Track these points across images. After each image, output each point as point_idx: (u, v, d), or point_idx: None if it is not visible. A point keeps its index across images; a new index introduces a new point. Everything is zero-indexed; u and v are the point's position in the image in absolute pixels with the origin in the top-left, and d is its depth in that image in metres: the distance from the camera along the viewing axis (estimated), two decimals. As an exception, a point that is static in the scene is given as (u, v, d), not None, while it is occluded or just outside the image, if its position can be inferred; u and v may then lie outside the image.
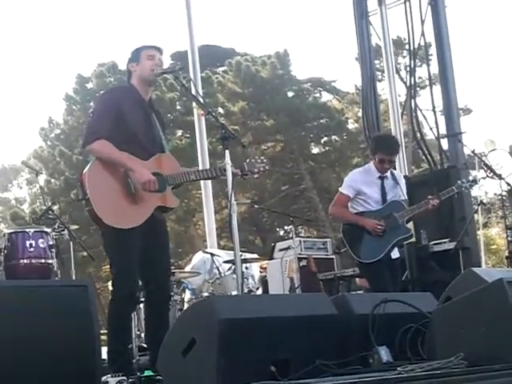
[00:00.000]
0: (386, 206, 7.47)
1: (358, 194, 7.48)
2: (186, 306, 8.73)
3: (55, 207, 9.87)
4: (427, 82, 14.19)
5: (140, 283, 5.81)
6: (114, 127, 5.55)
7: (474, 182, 8.20)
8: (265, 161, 6.08)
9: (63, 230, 8.81)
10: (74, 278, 8.81)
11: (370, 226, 7.30)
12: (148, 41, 6.01)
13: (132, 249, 5.48)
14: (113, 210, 5.47)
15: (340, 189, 7.69)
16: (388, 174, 7.57)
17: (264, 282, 11.61)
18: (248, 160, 6.04)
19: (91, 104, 30.74)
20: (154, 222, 5.62)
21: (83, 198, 5.49)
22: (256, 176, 6.19)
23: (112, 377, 5.13)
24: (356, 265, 7.86)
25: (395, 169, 8.99)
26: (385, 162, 7.46)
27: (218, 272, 9.65)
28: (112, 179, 5.51)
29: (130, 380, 5.21)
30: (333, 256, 11.95)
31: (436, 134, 11.06)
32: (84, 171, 5.55)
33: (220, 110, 29.75)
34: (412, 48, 11.27)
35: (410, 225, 7.84)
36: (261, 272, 11.77)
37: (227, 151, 5.53)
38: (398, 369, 3.91)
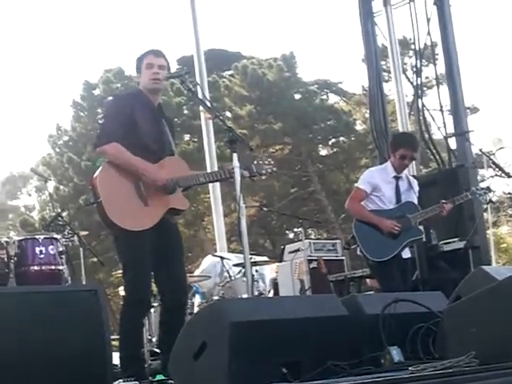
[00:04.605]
0: (400, 206, 7.46)
1: (373, 191, 7.46)
2: (196, 309, 8.73)
3: (64, 213, 9.87)
4: (434, 82, 14.16)
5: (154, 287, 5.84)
6: (125, 131, 5.59)
7: (489, 189, 8.18)
8: (272, 162, 6.14)
9: (73, 237, 8.83)
10: (84, 283, 8.82)
11: (387, 226, 7.27)
12: (153, 46, 6.04)
13: (145, 252, 5.49)
14: (125, 213, 5.49)
15: (356, 184, 7.69)
16: (403, 175, 7.57)
17: (274, 284, 11.61)
18: (256, 162, 6.09)
19: (98, 110, 30.84)
20: (167, 224, 5.64)
21: (95, 201, 5.52)
22: (264, 177, 6.25)
23: (124, 381, 5.14)
24: (367, 264, 7.84)
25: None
26: (406, 158, 7.45)
27: (228, 275, 9.64)
28: (123, 182, 5.54)
29: (142, 384, 5.22)
30: (343, 257, 11.95)
31: (444, 134, 11.04)
32: (95, 175, 5.58)
33: (227, 113, 29.73)
34: (418, 48, 11.24)
35: (419, 225, 7.83)
36: (276, 273, 11.77)
37: (235, 154, 5.55)
38: (410, 368, 3.92)
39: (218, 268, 10.60)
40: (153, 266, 5.58)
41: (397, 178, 7.53)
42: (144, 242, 5.49)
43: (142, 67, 5.81)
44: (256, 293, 8.82)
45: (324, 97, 33.29)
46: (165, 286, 5.74)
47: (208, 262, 11.56)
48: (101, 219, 5.56)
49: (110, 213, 5.44)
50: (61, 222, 8.97)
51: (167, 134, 5.87)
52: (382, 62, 13.11)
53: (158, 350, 7.37)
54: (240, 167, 5.61)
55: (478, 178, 12.28)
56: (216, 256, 10.93)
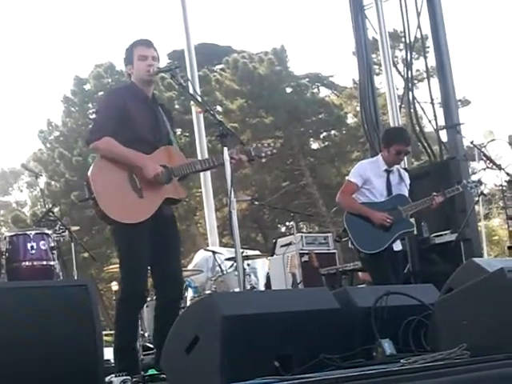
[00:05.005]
0: (391, 199, 7.47)
1: (364, 184, 7.46)
2: (188, 304, 8.73)
3: (56, 209, 9.86)
4: (425, 75, 14.13)
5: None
6: (118, 125, 5.56)
7: (480, 182, 8.20)
8: (272, 145, 6.14)
9: (64, 232, 8.81)
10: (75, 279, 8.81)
11: (378, 218, 7.28)
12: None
13: (141, 245, 5.49)
14: (120, 206, 5.48)
15: (348, 177, 7.69)
16: (394, 169, 7.58)
17: (266, 278, 11.61)
18: (254, 145, 6.05)
19: (89, 105, 30.80)
20: (163, 216, 5.63)
21: (89, 196, 5.51)
22: (264, 160, 6.24)
23: (116, 376, 5.14)
24: (358, 256, 7.85)
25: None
26: (401, 153, 7.48)
27: (220, 269, 9.65)
28: (117, 175, 5.52)
29: (134, 379, 5.21)
30: (334, 251, 11.96)
31: (435, 126, 11.05)
32: (89, 170, 5.57)
33: (218, 107, 29.72)
34: (408, 41, 11.25)
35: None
36: (269, 269, 11.77)
37: (225, 148, 5.54)
38: (402, 361, 3.92)
39: (210, 262, 10.61)
40: (149, 259, 5.58)
41: (388, 172, 7.54)
42: (140, 235, 5.48)
43: (134, 59, 5.75)
44: (248, 287, 8.82)
45: (315, 90, 33.30)
46: (160, 279, 5.74)
47: (200, 256, 11.56)
48: (97, 214, 5.56)
49: (104, 207, 5.44)
50: (52, 218, 8.96)
51: (164, 122, 5.83)
52: (373, 55, 13.11)
53: (150, 345, 7.38)
54: (237, 150, 5.64)
55: (470, 170, 12.27)
56: (208, 250, 10.93)
